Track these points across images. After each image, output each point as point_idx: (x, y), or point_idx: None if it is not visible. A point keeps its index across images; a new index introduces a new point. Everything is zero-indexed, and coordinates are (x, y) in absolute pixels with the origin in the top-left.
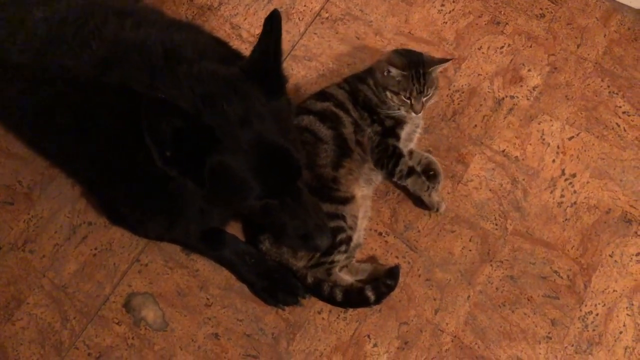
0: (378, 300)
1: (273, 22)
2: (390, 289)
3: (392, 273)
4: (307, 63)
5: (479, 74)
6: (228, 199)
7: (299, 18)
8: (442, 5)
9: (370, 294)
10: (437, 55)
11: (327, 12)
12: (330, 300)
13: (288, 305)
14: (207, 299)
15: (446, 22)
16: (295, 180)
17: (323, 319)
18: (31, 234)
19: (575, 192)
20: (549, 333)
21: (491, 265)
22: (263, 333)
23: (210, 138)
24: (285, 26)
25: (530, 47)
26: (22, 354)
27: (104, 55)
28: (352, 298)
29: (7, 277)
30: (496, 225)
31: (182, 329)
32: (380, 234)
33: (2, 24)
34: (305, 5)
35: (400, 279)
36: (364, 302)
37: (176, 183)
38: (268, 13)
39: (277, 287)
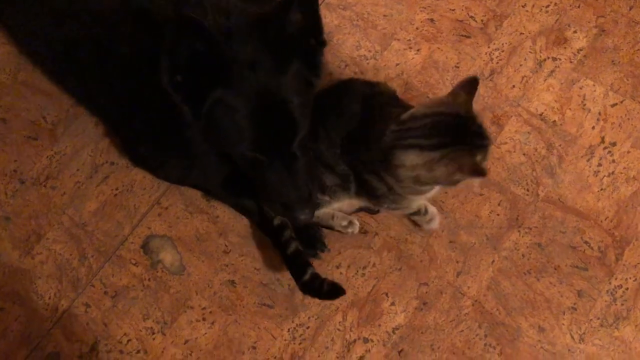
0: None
1: None
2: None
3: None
4: (342, 12)
5: (521, 33)
6: (220, 140)
7: None
8: None
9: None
10: (479, 10)
11: None
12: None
13: (307, 256)
14: (226, 245)
15: None
16: (291, 143)
17: (341, 273)
18: (53, 170)
19: (614, 161)
20: (574, 304)
21: (519, 231)
22: (279, 283)
23: (222, 72)
24: None
25: (578, 7)
26: (40, 287)
27: None
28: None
29: (29, 211)
30: (527, 190)
31: (198, 274)
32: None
33: None
34: None
35: (424, 239)
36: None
37: (186, 123)
38: None
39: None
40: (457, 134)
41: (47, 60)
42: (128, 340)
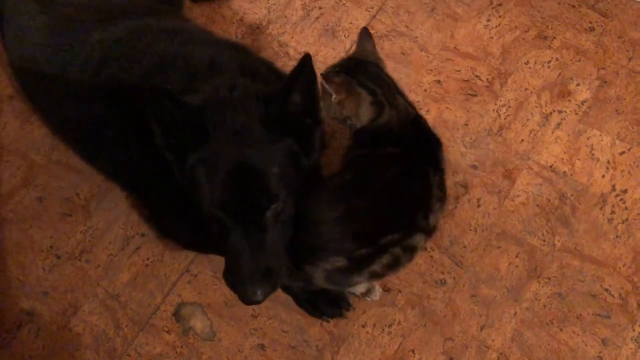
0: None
1: (304, 68)
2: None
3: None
4: None
5: (525, 89)
6: (196, 197)
7: (344, 35)
8: (488, 20)
9: None
10: (484, 70)
11: (372, 29)
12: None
13: (332, 317)
14: (253, 309)
15: (492, 37)
16: (261, 213)
17: (367, 332)
18: (87, 245)
19: (626, 208)
20: (599, 353)
21: (538, 281)
22: (307, 345)
23: (202, 136)
24: (331, 43)
25: (579, 61)
26: (79, 359)
27: (151, 67)
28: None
29: (65, 285)
30: (544, 241)
31: (229, 339)
32: (425, 248)
33: (66, 48)
34: (351, 23)
35: (446, 294)
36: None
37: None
38: (315, 31)
39: (320, 298)
40: None
41: (77, 140)
42: None
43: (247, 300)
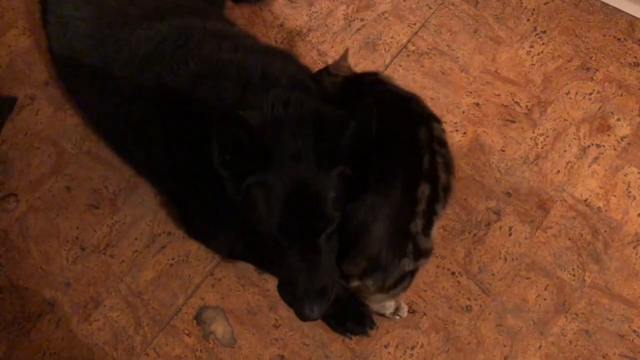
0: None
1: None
2: None
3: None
4: None
5: (565, 119)
6: (251, 216)
7: (385, 49)
8: (531, 46)
9: None
10: (523, 96)
11: (414, 46)
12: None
13: (355, 334)
14: (276, 319)
15: (534, 64)
16: (316, 235)
17: (389, 353)
18: (113, 239)
19: None
20: None
21: (566, 316)
22: (328, 359)
23: (263, 159)
24: (371, 56)
25: (621, 95)
26: (96, 354)
27: (199, 71)
28: None
29: (88, 278)
30: (574, 275)
31: (249, 347)
32: (453, 273)
33: (110, 41)
34: (392, 37)
35: (471, 322)
36: None
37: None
38: (355, 43)
39: (345, 315)
40: None
41: (114, 134)
42: None
43: (305, 317)
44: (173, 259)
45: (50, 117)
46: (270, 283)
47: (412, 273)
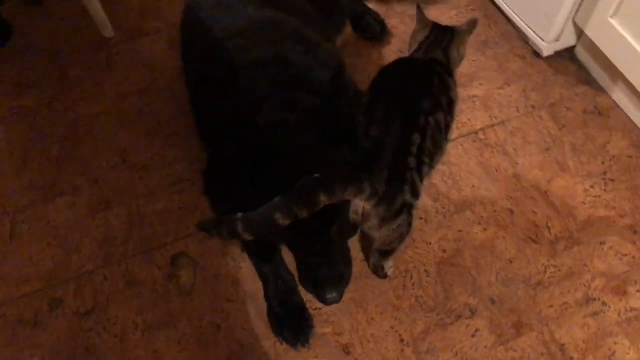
0: None
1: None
2: None
3: None
4: (440, 167)
5: (585, 265)
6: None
7: (457, 126)
8: (592, 187)
9: None
10: (558, 225)
11: (484, 135)
12: None
13: (287, 343)
14: (233, 294)
15: (585, 203)
16: (327, 228)
17: None
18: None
19: None
20: None
21: None
22: (253, 348)
23: (272, 158)
24: None
25: None
26: (85, 247)
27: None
28: None
29: (114, 186)
30: None
31: (198, 304)
32: (402, 340)
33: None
34: (469, 119)
35: None
36: None
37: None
38: None
39: (286, 321)
40: None
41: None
42: (114, 324)
43: (328, 302)
44: (184, 204)
45: None
46: (247, 262)
47: (409, 210)
